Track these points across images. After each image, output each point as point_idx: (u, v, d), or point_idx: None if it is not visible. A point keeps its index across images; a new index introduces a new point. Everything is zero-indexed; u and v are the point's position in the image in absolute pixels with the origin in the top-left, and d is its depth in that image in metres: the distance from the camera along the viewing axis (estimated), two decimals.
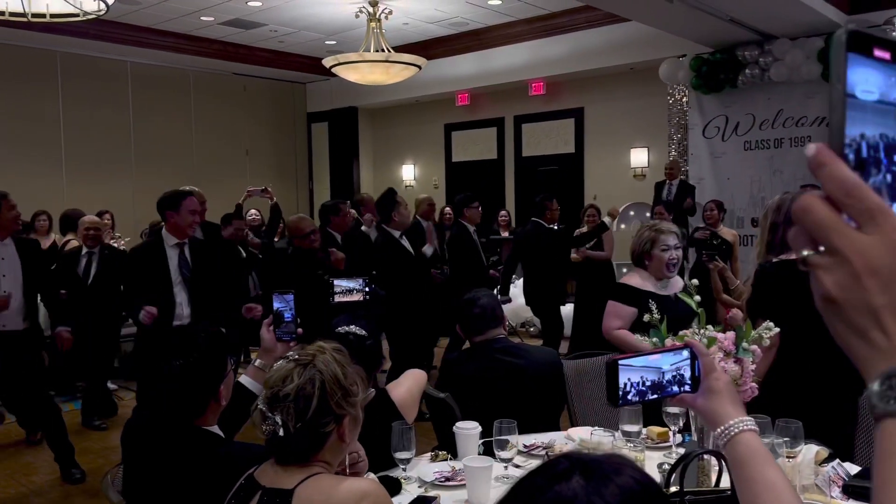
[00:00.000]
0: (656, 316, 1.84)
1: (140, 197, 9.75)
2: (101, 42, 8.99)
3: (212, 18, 8.95)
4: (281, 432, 1.47)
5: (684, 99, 8.57)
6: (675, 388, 1.22)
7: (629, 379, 1.20)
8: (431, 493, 2.11)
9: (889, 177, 0.56)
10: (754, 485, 1.09)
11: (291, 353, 1.58)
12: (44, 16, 5.98)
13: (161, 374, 1.85)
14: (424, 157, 11.82)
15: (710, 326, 1.80)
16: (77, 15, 6.07)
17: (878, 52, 0.58)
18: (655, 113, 9.08)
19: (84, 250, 5.35)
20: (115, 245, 6.31)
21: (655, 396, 1.23)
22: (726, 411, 1.17)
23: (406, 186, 11.84)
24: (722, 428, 1.15)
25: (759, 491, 1.07)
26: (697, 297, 1.84)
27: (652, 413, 2.40)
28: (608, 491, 0.78)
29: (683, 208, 7.32)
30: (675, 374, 1.22)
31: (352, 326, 2.41)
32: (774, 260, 2.81)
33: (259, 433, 1.53)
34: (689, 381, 1.22)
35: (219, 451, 1.83)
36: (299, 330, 2.27)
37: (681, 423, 2.24)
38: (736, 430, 1.13)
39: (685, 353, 1.23)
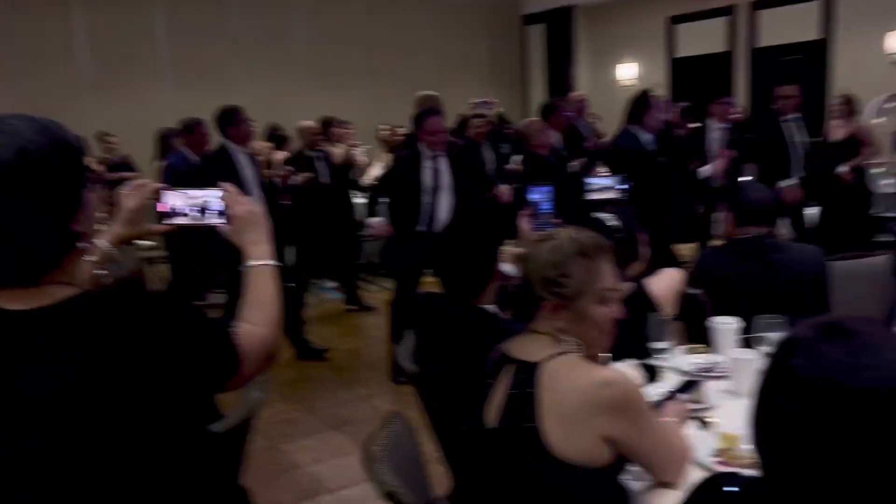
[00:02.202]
0: None
1: (370, 106, 10.40)
2: None
3: None
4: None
5: None
6: None
7: None
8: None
9: None
10: None
11: (554, 230, 1.67)
12: None
13: (448, 261, 2.06)
14: (645, 55, 11.23)
15: None
16: None
17: None
18: None
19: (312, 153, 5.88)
20: (358, 152, 6.87)
21: None
22: None
23: (624, 86, 11.39)
24: None
25: None
26: None
27: None
28: (875, 329, 0.84)
29: None
30: None
31: (606, 215, 2.47)
32: None
33: None
34: None
35: (497, 327, 2.02)
36: (555, 220, 2.38)
37: None
38: None
39: None
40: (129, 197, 1.52)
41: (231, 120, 4.65)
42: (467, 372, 2.03)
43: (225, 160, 4.65)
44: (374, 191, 4.99)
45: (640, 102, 5.14)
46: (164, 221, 1.53)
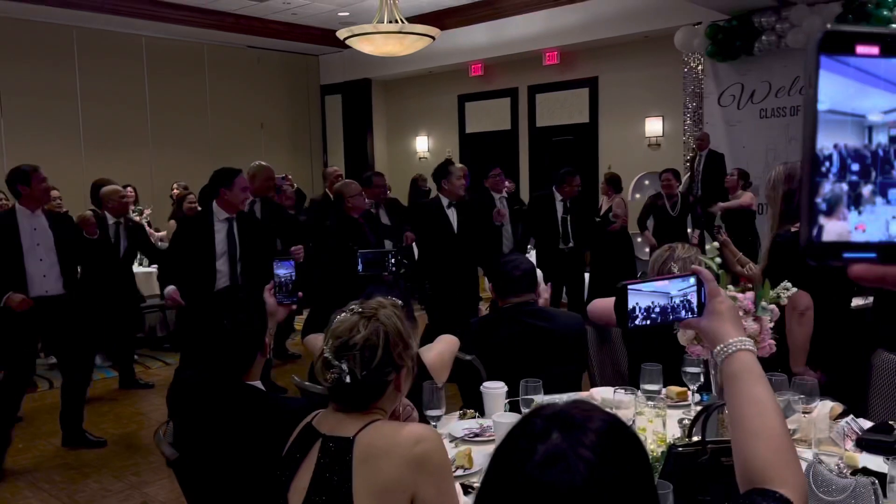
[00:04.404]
0: None
1: (157, 170, 9.88)
2: (116, 16, 9.03)
3: None
4: (347, 379, 1.54)
5: (699, 67, 8.53)
6: (683, 313, 1.26)
7: (638, 304, 1.22)
8: (461, 448, 2.21)
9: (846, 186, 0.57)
10: (741, 398, 1.15)
11: (354, 305, 1.64)
12: None
13: (211, 335, 1.96)
14: (438, 129, 11.84)
15: (730, 287, 1.88)
16: None
17: (861, 49, 0.54)
18: (670, 82, 9.05)
19: (111, 220, 5.47)
20: (139, 219, 6.45)
21: (665, 320, 1.25)
22: (727, 331, 1.22)
23: (420, 158, 11.88)
24: (721, 346, 1.21)
25: (743, 403, 1.14)
26: (718, 260, 1.91)
27: (671, 374, 2.50)
28: (587, 439, 0.84)
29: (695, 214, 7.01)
30: (682, 299, 1.25)
31: (389, 297, 2.50)
32: (793, 229, 2.83)
33: (322, 381, 1.60)
34: (696, 307, 1.26)
35: (267, 404, 1.94)
36: (299, 294, 2.40)
37: (701, 380, 2.33)
38: (734, 349, 1.20)
39: (692, 281, 1.26)
40: None
41: (25, 179, 4.17)
42: (232, 456, 1.93)
43: (3, 225, 4.17)
44: (167, 256, 4.69)
45: (441, 170, 5.47)
46: None
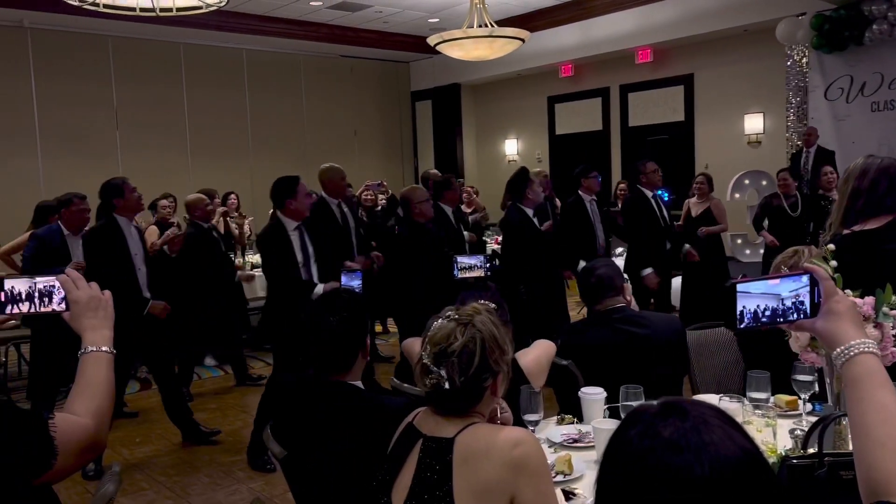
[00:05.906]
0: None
1: (258, 177, 10.28)
2: (219, 32, 9.48)
3: (320, 3, 9.25)
4: (446, 385, 1.58)
5: (804, 60, 8.14)
6: (794, 316, 1.19)
7: (745, 306, 1.17)
8: (561, 454, 2.19)
9: None
10: (864, 404, 1.08)
11: (450, 312, 1.68)
12: (171, 10, 6.38)
13: (314, 334, 2.03)
14: (527, 131, 11.80)
15: (848, 291, 1.78)
16: (200, 7, 6.45)
17: None
18: (771, 76, 8.68)
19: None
20: (245, 224, 6.77)
21: (775, 322, 1.19)
22: (847, 332, 1.14)
23: (509, 161, 11.87)
24: (842, 348, 1.13)
25: (867, 410, 1.07)
26: (834, 263, 1.82)
27: (780, 382, 2.40)
28: (709, 412, 0.86)
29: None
30: (794, 300, 1.19)
31: (481, 301, 2.51)
32: (846, 232, 2.48)
33: (421, 386, 1.65)
34: (809, 308, 1.19)
35: (369, 403, 2.00)
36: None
37: (815, 389, 2.22)
38: (855, 351, 1.12)
39: (805, 280, 1.18)
40: None
41: (118, 192, 4.42)
42: (337, 454, 2.00)
43: (112, 235, 4.41)
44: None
45: (522, 179, 5.34)
46: (5, 311, 1.45)
